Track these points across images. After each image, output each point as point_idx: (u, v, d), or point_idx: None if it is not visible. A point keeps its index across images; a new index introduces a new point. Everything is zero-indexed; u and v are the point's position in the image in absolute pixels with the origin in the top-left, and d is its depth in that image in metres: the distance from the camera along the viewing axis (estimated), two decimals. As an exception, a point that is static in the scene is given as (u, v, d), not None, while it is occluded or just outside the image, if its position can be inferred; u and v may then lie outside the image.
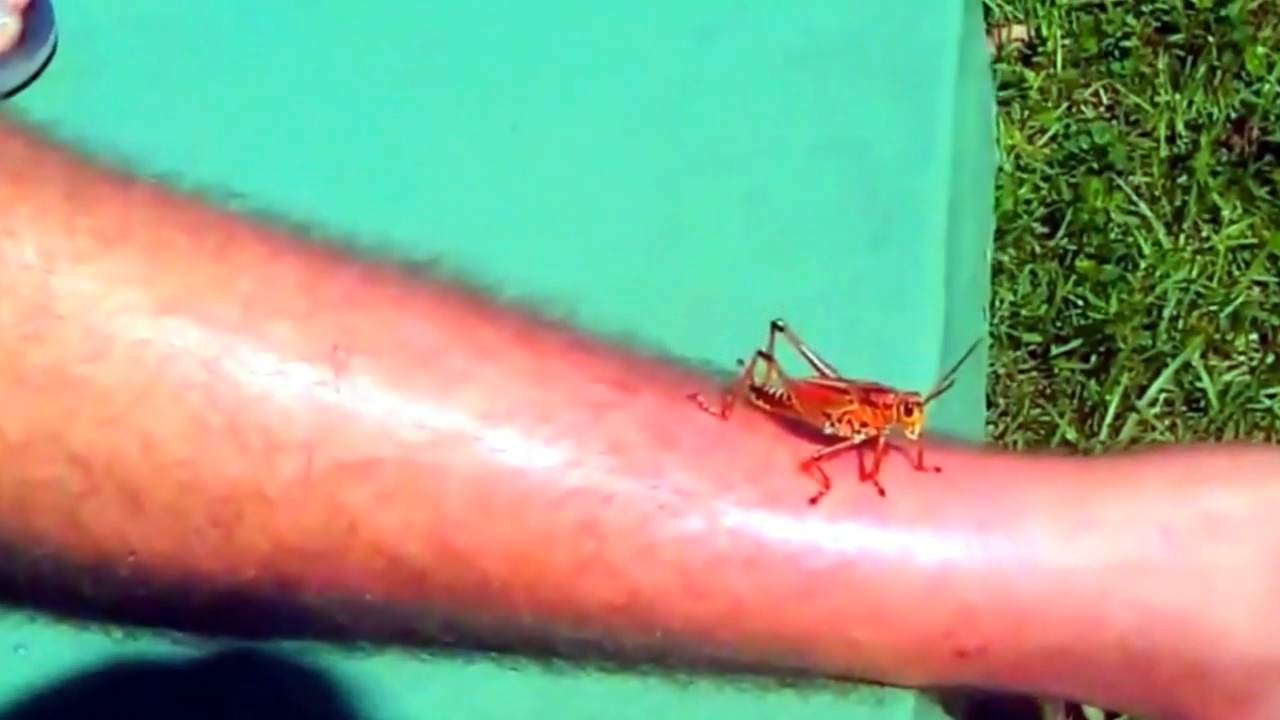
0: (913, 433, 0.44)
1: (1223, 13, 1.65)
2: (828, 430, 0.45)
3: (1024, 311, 1.46)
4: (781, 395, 0.45)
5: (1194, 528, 0.43)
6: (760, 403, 0.45)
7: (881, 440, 0.44)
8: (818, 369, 0.46)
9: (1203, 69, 1.62)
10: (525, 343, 0.44)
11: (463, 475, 0.41)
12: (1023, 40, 1.69)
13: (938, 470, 0.45)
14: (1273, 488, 0.44)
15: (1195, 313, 1.44)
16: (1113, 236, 1.49)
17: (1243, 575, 0.43)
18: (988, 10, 1.68)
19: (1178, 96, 1.61)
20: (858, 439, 0.44)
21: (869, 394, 0.45)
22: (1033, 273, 1.49)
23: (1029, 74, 1.65)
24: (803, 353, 0.46)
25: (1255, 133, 1.57)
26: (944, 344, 0.55)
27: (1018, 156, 1.57)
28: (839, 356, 0.46)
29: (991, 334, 1.42)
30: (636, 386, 0.44)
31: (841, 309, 0.56)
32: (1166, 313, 1.43)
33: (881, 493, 0.44)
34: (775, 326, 0.45)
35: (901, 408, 0.44)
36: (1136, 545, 0.43)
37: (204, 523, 0.41)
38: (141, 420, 0.40)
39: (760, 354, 0.45)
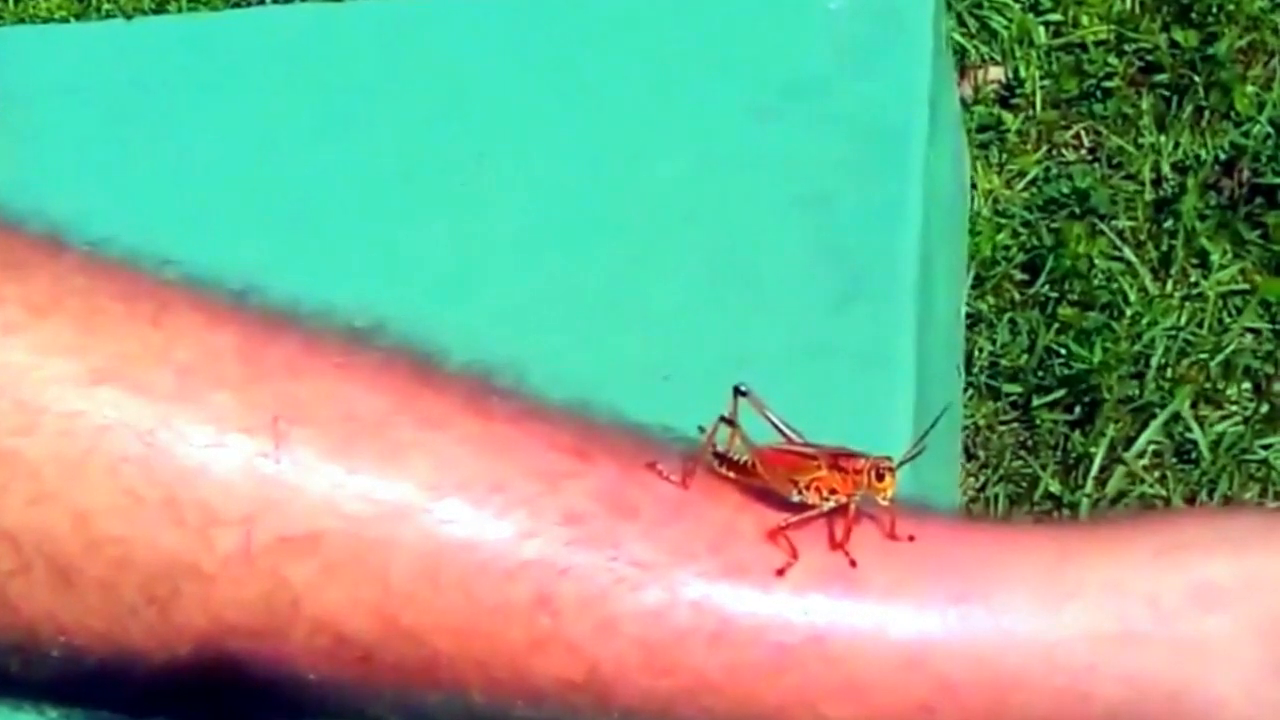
0: (885, 499, 0.43)
1: (1209, 51, 1.64)
2: (795, 498, 0.43)
3: (1004, 361, 1.45)
4: (746, 462, 0.44)
5: (1183, 598, 0.42)
6: (724, 470, 0.44)
7: (852, 508, 0.43)
8: (784, 434, 0.45)
9: (1189, 109, 1.61)
10: (475, 411, 0.42)
11: (410, 549, 0.40)
12: (1000, 82, 1.69)
13: (911, 539, 0.43)
14: (1259, 555, 0.43)
15: (1185, 361, 1.43)
16: (1096, 283, 1.48)
17: (1234, 646, 0.42)
18: (964, 52, 1.67)
19: (1163, 138, 1.60)
20: (827, 506, 0.43)
21: (838, 459, 0.43)
22: (1012, 321, 1.47)
23: (1007, 116, 1.64)
24: (767, 418, 0.45)
25: (1245, 174, 1.56)
26: (917, 404, 0.54)
27: (996, 201, 1.56)
28: (807, 420, 0.45)
29: (971, 384, 1.40)
30: (593, 455, 0.43)
31: (810, 369, 0.55)
32: (1154, 361, 1.42)
33: (853, 563, 0.42)
34: (738, 391, 0.44)
35: (872, 473, 0.43)
36: (1122, 616, 0.42)
37: (138, 600, 0.40)
38: (74, 495, 0.39)
39: (723, 419, 0.44)
